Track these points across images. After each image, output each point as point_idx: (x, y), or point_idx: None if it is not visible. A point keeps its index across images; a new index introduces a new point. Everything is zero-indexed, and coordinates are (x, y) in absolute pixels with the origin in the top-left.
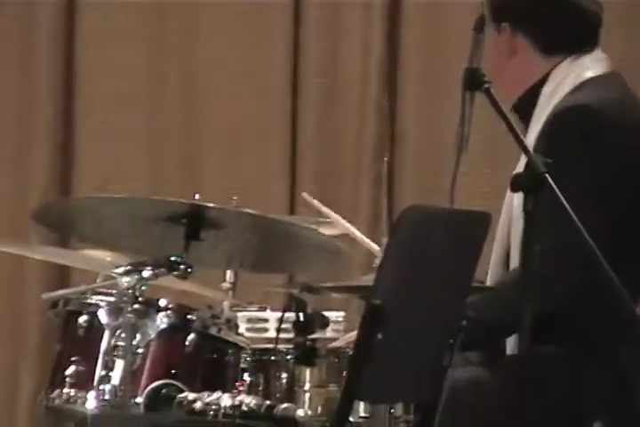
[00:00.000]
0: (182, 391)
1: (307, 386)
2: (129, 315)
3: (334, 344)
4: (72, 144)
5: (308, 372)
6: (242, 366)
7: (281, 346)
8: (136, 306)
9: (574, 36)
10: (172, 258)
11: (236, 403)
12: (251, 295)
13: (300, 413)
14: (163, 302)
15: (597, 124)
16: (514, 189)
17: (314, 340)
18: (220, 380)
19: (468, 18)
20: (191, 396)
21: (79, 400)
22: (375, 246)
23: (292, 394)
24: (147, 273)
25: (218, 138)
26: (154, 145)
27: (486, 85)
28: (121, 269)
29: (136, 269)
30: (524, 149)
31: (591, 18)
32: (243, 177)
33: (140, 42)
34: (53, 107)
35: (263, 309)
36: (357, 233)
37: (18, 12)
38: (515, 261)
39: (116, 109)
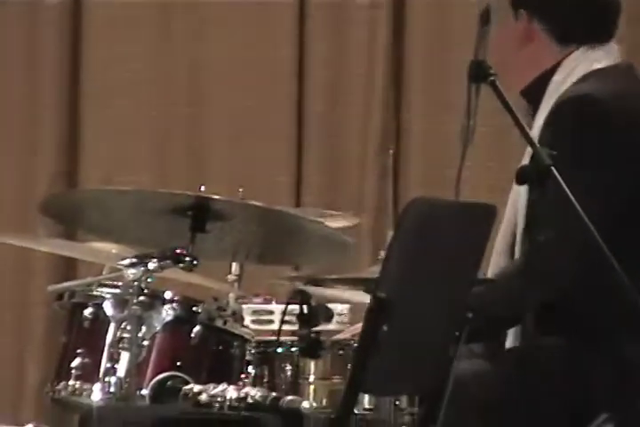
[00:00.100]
0: (188, 383)
1: (311, 378)
2: (134, 307)
3: (339, 336)
4: (78, 137)
5: (312, 364)
6: (247, 358)
7: (286, 338)
8: (142, 298)
9: (591, 26)
10: (178, 250)
11: (242, 395)
12: (256, 287)
13: (305, 405)
14: (168, 295)
15: (599, 115)
16: (519, 182)
17: (318, 332)
18: (226, 372)
19: (473, 11)
20: (196, 388)
21: (85, 392)
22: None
23: (296, 386)
24: (152, 265)
25: (223, 131)
26: (160, 138)
27: (492, 78)
28: (127, 262)
29: (142, 261)
30: (530, 141)
31: (609, 8)
32: (248, 169)
33: (147, 37)
34: (59, 100)
35: (269, 301)
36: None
37: (24, 8)
38: (519, 253)
39: (122, 103)
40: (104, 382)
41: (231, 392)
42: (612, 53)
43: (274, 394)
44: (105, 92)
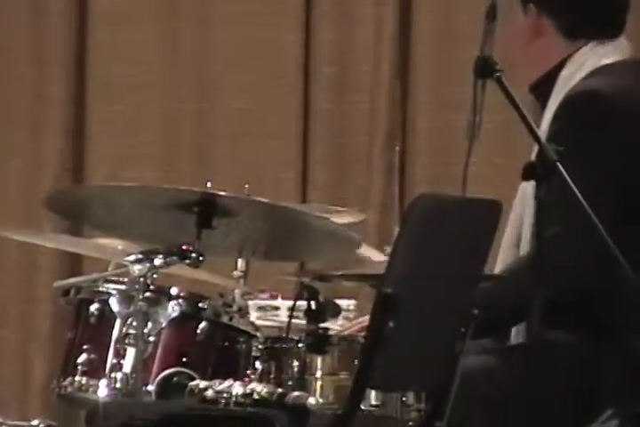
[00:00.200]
0: (194, 379)
1: (318, 374)
2: (140, 303)
3: (346, 329)
4: (84, 132)
5: (319, 360)
6: (253, 354)
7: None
8: (147, 294)
9: (598, 20)
10: (184, 246)
11: (248, 391)
12: (262, 283)
13: (312, 401)
14: (174, 291)
15: (606, 110)
16: (525, 178)
17: (326, 328)
18: (232, 368)
19: (479, 7)
20: (202, 384)
21: (91, 388)
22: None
23: (303, 382)
24: (158, 261)
25: (229, 127)
26: (166, 134)
27: (498, 74)
28: (132, 258)
29: (148, 257)
30: (536, 137)
31: (618, 3)
32: (254, 166)
33: (153, 25)
34: (65, 94)
35: (274, 297)
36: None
37: (31, 2)
38: (526, 249)
39: (129, 96)
40: (110, 377)
41: (237, 388)
42: (622, 49)
43: (280, 390)
44: (111, 88)
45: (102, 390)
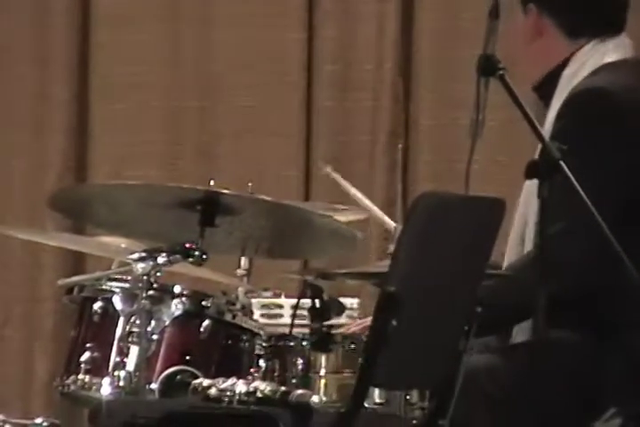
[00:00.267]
0: (197, 378)
1: (322, 372)
2: (144, 301)
3: (349, 328)
4: (87, 131)
5: (323, 358)
6: (257, 352)
7: (297, 330)
8: (151, 292)
9: (599, 19)
10: (187, 244)
11: (251, 389)
12: (265, 282)
13: (316, 399)
14: (177, 289)
15: (611, 108)
16: (528, 176)
17: (329, 326)
18: (235, 366)
19: (482, 5)
20: (206, 382)
21: (94, 386)
22: (390, 222)
23: (307, 380)
24: (162, 259)
25: (232, 125)
26: (169, 132)
27: (501, 72)
28: (136, 256)
29: (151, 255)
30: (539, 135)
31: (618, 2)
32: (258, 163)
33: (156, 26)
34: (68, 93)
35: (278, 295)
36: (374, 209)
37: (34, 1)
38: (530, 247)
39: (131, 95)
40: (113, 376)
41: (240, 386)
42: (624, 47)
43: (283, 388)
44: (113, 88)
45: (105, 389)
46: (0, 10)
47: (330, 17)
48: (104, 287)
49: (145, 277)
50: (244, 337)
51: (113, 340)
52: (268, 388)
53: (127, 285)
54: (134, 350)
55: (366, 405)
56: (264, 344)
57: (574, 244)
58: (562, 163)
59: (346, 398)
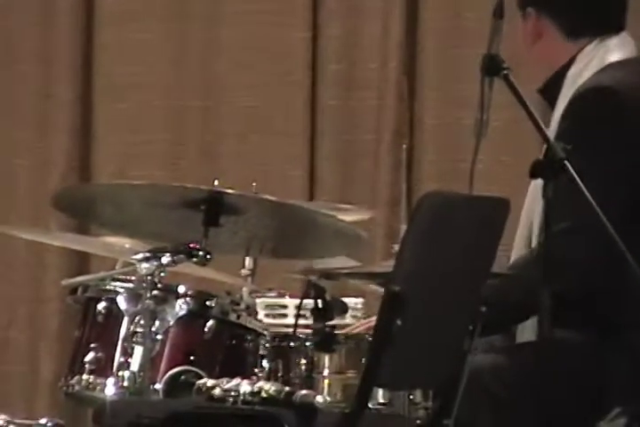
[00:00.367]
0: (201, 378)
1: (326, 372)
2: (148, 301)
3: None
4: (91, 131)
5: (327, 358)
6: (261, 352)
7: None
8: (155, 292)
9: (599, 18)
10: (192, 244)
11: (255, 389)
12: (270, 281)
13: (319, 399)
14: (182, 289)
15: (617, 106)
16: (532, 176)
17: (333, 326)
18: (239, 366)
19: (488, 2)
20: (210, 382)
21: (98, 387)
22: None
23: (310, 380)
24: (166, 259)
25: (236, 125)
26: (173, 132)
27: (505, 71)
28: (140, 256)
29: (155, 255)
30: (543, 135)
31: (617, 2)
32: (262, 163)
33: (160, 25)
34: (72, 93)
35: (282, 295)
36: None
37: (38, 1)
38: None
39: (135, 95)
40: (117, 376)
41: (245, 387)
42: (627, 45)
43: (287, 388)
44: (117, 87)
45: (110, 389)
46: (4, 10)
47: (334, 16)
48: (108, 287)
49: (149, 278)
50: (249, 337)
51: (117, 340)
52: (273, 388)
53: (131, 285)
54: (138, 351)
55: (370, 405)
56: (268, 344)
57: (579, 243)
58: (566, 163)
59: (350, 398)
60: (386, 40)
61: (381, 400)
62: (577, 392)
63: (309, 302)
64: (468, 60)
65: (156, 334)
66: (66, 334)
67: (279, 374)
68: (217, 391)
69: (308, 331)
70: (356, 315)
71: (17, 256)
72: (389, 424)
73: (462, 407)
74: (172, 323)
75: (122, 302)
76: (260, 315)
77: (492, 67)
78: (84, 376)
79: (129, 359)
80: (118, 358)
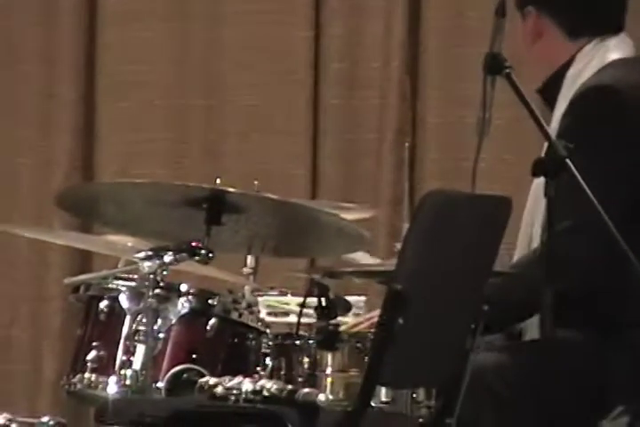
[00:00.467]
0: (203, 376)
1: (328, 371)
2: (150, 300)
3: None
4: (93, 130)
5: (329, 356)
6: (263, 350)
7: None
8: (157, 291)
9: (598, 18)
10: (194, 243)
11: (258, 388)
12: (272, 280)
13: (322, 397)
14: (184, 287)
15: (618, 105)
16: (534, 174)
17: (336, 324)
18: (242, 364)
19: (490, 1)
20: (212, 381)
21: (100, 385)
22: None
23: (313, 379)
24: (168, 258)
25: (239, 123)
26: (175, 130)
27: (507, 70)
28: (142, 254)
29: (157, 253)
30: (545, 133)
31: (616, 1)
32: (264, 161)
33: (163, 24)
34: (75, 93)
35: (284, 293)
36: None
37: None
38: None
39: (138, 94)
40: (120, 374)
41: (247, 385)
42: (625, 45)
43: (290, 387)
44: (120, 87)
45: (112, 387)
46: (7, 9)
47: (337, 15)
48: (110, 286)
49: (151, 276)
50: (251, 336)
51: (119, 338)
52: (275, 386)
53: (134, 283)
54: (140, 349)
55: (372, 403)
56: (270, 343)
57: (581, 242)
58: (568, 161)
59: (352, 396)
60: (388, 39)
61: (384, 399)
62: (579, 391)
63: (312, 301)
64: (471, 59)
65: (159, 332)
66: (68, 332)
67: (281, 373)
68: (219, 390)
69: (311, 329)
70: (359, 313)
71: (19, 255)
72: (392, 423)
73: (465, 406)
74: (174, 321)
75: (124, 300)
76: (262, 313)
77: (495, 65)
78: (87, 375)
79: (131, 358)
80: (120, 356)
